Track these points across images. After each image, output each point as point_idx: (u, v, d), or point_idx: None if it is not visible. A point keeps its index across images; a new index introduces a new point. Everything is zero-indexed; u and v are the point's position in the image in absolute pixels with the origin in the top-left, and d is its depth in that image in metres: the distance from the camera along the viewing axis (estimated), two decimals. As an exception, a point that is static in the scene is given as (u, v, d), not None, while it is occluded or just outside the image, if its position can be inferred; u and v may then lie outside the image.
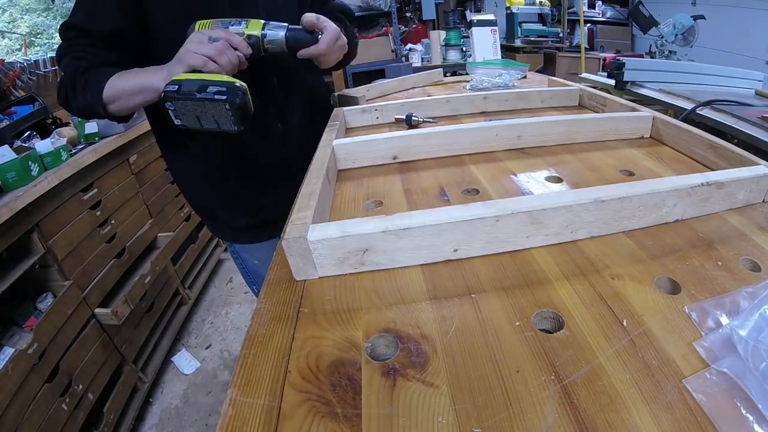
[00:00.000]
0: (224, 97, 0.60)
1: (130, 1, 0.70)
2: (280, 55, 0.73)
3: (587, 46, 3.77)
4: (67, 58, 0.72)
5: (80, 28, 0.72)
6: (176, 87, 0.60)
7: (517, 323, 0.37)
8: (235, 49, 0.66)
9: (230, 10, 0.73)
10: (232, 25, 0.68)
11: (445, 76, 1.56)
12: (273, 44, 0.70)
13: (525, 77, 1.43)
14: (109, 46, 0.73)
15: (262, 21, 0.69)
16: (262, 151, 0.87)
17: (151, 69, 0.70)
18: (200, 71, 0.63)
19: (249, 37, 0.68)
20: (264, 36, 0.69)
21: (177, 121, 0.64)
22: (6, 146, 1.19)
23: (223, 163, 0.87)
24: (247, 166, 0.88)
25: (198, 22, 0.69)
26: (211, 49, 0.63)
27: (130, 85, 0.69)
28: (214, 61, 0.63)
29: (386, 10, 3.26)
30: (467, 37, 2.36)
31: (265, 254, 0.96)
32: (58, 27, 0.75)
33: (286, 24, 0.71)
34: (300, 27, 0.72)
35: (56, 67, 2.07)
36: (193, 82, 0.60)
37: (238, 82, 0.62)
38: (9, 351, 1.08)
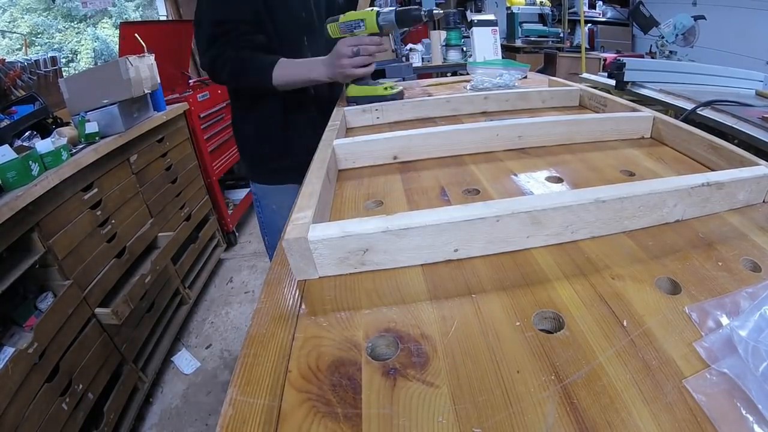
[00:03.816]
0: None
1: None
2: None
3: (588, 47, 3.76)
4: (230, 50, 0.95)
5: (230, 20, 0.94)
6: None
7: (518, 323, 0.37)
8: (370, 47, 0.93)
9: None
10: (356, 30, 0.90)
11: (445, 75, 1.57)
12: (388, 24, 0.89)
13: (525, 77, 1.43)
14: (256, 30, 0.97)
15: (375, 10, 0.89)
16: (299, 108, 1.13)
17: (313, 64, 0.97)
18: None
19: (371, 33, 0.91)
20: (379, 24, 0.89)
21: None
22: (6, 146, 1.19)
23: (276, 116, 1.13)
24: (286, 118, 1.14)
25: (329, 25, 0.93)
26: (358, 64, 0.93)
27: (300, 77, 0.98)
28: (364, 68, 0.94)
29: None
30: (468, 37, 2.36)
31: (282, 199, 1.19)
32: (199, 26, 0.95)
33: (392, 8, 0.90)
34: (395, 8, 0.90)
35: (55, 67, 2.07)
36: (358, 98, 1.00)
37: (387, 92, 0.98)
38: (9, 350, 1.08)
